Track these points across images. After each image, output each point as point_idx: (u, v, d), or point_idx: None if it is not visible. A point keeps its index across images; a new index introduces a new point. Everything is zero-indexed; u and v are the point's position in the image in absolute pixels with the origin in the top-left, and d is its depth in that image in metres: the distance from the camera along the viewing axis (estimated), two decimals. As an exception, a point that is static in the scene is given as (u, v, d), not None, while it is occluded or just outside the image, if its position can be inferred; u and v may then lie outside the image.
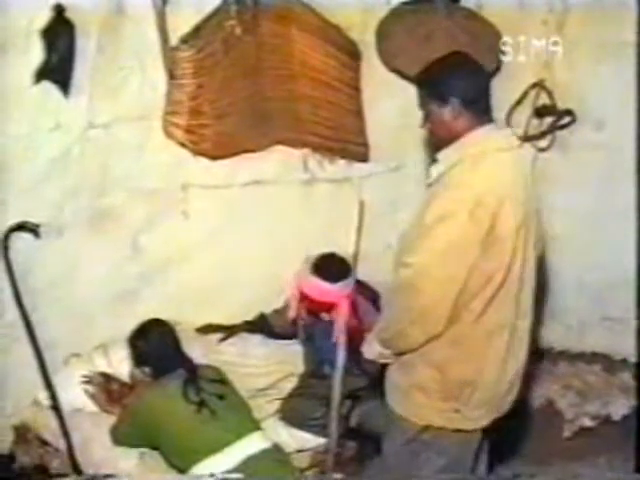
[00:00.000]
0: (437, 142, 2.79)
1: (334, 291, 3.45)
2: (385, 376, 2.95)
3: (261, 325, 3.86)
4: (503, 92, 3.62)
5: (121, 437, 3.32)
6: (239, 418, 3.26)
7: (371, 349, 2.93)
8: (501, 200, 2.59)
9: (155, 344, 3.36)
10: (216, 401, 3.20)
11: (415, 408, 2.82)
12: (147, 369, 3.35)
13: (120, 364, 3.61)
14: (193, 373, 3.27)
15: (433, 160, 2.82)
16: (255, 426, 3.32)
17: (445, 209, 2.59)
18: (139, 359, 3.39)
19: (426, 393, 2.78)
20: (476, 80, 2.72)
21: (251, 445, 3.19)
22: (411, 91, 3.85)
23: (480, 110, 2.70)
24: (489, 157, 2.67)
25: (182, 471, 3.20)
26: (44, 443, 3.49)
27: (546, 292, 3.99)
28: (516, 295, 2.73)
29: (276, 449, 3.30)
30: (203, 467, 3.11)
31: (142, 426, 3.22)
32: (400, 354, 2.83)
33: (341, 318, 3.27)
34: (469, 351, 2.72)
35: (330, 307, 3.43)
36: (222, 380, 3.34)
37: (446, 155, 2.72)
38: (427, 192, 2.76)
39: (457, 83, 2.68)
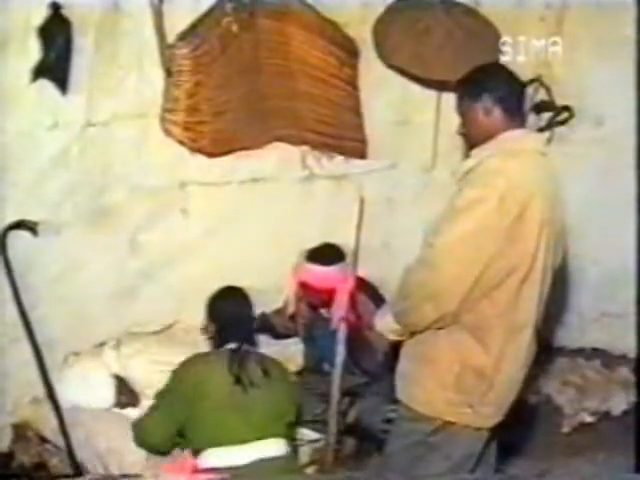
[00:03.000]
0: (471, 143, 2.85)
1: (330, 274, 3.46)
2: (397, 370, 2.94)
3: (263, 325, 3.87)
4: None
5: (153, 418, 3.25)
6: (267, 418, 3.20)
7: (383, 320, 2.92)
8: (531, 193, 2.65)
9: (229, 307, 3.42)
10: (251, 387, 3.18)
11: (430, 401, 2.81)
12: (212, 326, 3.41)
13: (129, 360, 3.65)
14: (244, 349, 3.28)
15: (466, 156, 2.88)
16: (280, 432, 3.25)
17: (477, 194, 2.65)
18: (211, 314, 3.45)
19: (442, 385, 2.78)
20: (507, 81, 2.82)
21: (267, 449, 3.15)
22: (408, 87, 3.91)
23: (512, 112, 2.78)
24: (521, 155, 2.75)
25: (197, 449, 3.16)
26: (43, 441, 3.49)
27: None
28: (539, 296, 2.77)
29: (291, 458, 3.28)
30: (216, 453, 3.08)
31: (180, 394, 3.16)
32: (410, 333, 2.83)
33: (341, 300, 3.27)
34: (491, 345, 2.73)
35: (329, 294, 3.42)
36: (268, 371, 3.26)
37: (479, 151, 2.79)
38: (458, 184, 2.80)
39: (489, 81, 2.80)
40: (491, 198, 2.61)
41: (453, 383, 2.77)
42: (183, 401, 3.16)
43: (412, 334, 2.84)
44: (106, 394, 3.55)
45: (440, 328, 2.75)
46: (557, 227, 2.79)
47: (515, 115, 2.80)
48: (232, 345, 3.28)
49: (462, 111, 2.84)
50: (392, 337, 2.92)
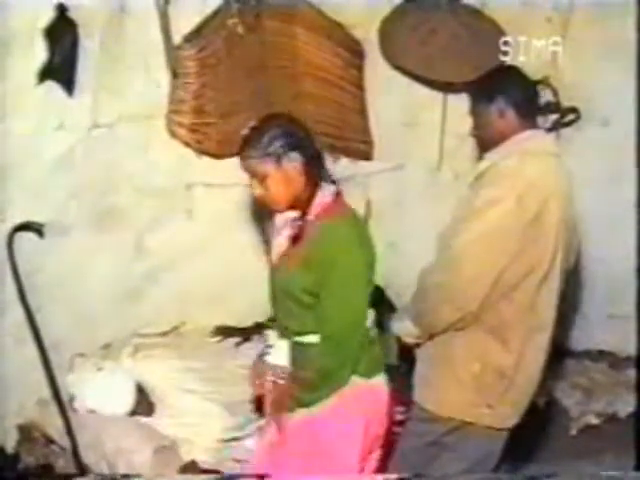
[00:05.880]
0: (484, 145, 2.85)
1: None
2: (415, 371, 2.93)
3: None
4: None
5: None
6: None
7: (401, 325, 2.92)
8: (548, 194, 2.66)
9: (298, 126, 2.59)
10: None
11: (448, 402, 2.80)
12: (297, 155, 2.51)
13: (144, 361, 3.64)
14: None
15: (479, 158, 2.88)
16: None
17: (495, 194, 2.65)
18: (290, 143, 2.53)
19: (461, 386, 2.77)
20: (521, 83, 2.82)
21: None
22: (414, 88, 3.91)
23: (526, 114, 2.78)
24: (536, 156, 2.75)
25: None
26: (49, 442, 3.49)
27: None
28: (557, 297, 2.77)
29: None
30: None
31: (363, 268, 2.57)
32: (428, 336, 2.82)
33: None
34: (511, 344, 2.73)
35: None
36: None
37: (493, 153, 2.78)
38: (472, 186, 2.80)
39: (503, 83, 2.80)
40: (508, 198, 2.62)
41: (472, 383, 2.76)
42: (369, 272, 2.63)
43: (430, 337, 2.83)
44: (126, 403, 3.52)
45: (458, 329, 2.74)
46: (570, 228, 2.79)
47: (528, 117, 2.80)
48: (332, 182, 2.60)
49: (476, 113, 2.84)
50: (410, 340, 2.91)
